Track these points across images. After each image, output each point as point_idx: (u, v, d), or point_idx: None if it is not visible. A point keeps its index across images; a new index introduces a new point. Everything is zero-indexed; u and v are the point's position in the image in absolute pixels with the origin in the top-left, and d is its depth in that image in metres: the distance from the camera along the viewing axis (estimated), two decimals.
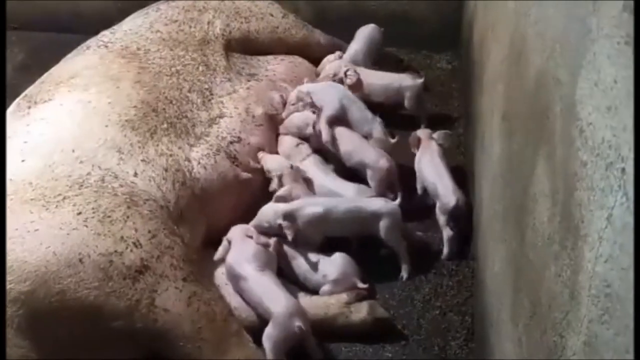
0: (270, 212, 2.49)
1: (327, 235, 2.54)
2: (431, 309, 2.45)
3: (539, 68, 1.56)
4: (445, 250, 2.63)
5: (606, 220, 1.02)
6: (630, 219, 0.93)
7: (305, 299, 2.35)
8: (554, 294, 1.30)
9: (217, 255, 2.44)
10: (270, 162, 2.71)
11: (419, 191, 2.75)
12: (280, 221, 2.43)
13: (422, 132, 2.88)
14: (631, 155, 0.93)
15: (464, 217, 2.61)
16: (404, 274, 2.54)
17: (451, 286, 2.53)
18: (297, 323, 2.17)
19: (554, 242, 1.32)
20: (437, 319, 2.42)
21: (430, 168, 2.72)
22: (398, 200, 2.56)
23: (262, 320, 2.25)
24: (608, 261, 1.01)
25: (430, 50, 3.69)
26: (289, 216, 2.45)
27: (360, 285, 2.41)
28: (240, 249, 2.39)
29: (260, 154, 2.75)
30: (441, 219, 2.64)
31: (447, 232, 2.62)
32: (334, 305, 2.35)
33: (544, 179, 1.44)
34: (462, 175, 2.93)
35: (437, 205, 2.66)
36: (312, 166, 2.77)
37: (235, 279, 2.35)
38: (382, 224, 2.48)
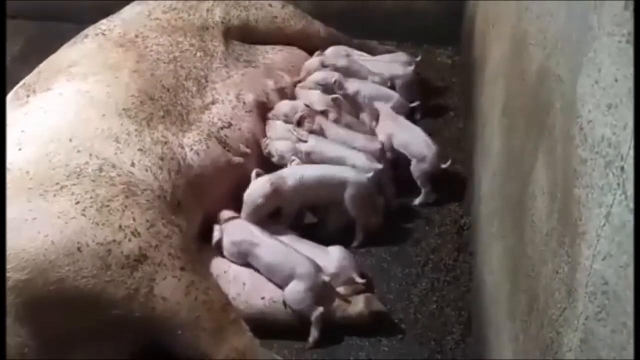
0: (257, 187, 2.52)
1: (303, 204, 2.61)
2: (428, 304, 2.45)
3: (540, 64, 1.56)
4: (420, 200, 2.80)
5: (604, 218, 1.02)
6: (628, 217, 0.93)
7: None
8: (551, 290, 1.31)
9: (214, 238, 2.46)
10: (280, 145, 2.74)
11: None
12: (271, 187, 2.49)
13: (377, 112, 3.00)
14: (631, 154, 0.93)
15: (438, 168, 2.81)
16: (355, 242, 2.61)
17: (448, 281, 2.53)
18: (324, 277, 2.27)
19: (552, 239, 1.32)
20: (434, 313, 2.42)
21: (408, 134, 2.86)
22: (370, 174, 2.57)
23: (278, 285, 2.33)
24: (606, 259, 1.01)
25: (431, 45, 3.68)
26: (276, 177, 2.53)
27: (358, 279, 2.41)
28: (242, 223, 2.46)
29: (265, 140, 2.78)
30: (423, 176, 2.79)
31: (427, 187, 2.79)
32: None
33: (544, 175, 1.44)
34: (460, 168, 2.94)
35: (419, 165, 2.79)
36: (318, 141, 2.77)
37: (244, 252, 2.39)
38: (347, 193, 2.55)
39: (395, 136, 2.85)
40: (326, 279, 2.30)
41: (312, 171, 2.60)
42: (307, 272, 2.29)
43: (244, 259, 2.41)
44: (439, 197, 2.83)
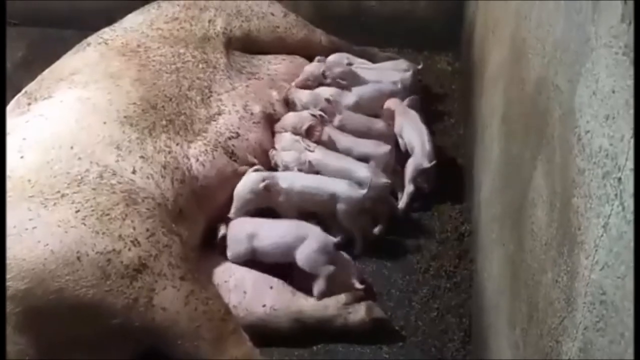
0: (248, 182, 2.55)
1: (298, 211, 2.61)
2: (429, 311, 2.45)
3: (539, 73, 1.56)
4: (403, 202, 2.80)
5: (602, 229, 1.02)
6: (625, 228, 0.93)
7: (303, 300, 2.35)
8: (550, 299, 1.31)
9: (219, 235, 2.49)
10: (285, 156, 2.75)
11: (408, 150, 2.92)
12: (262, 184, 2.51)
13: (392, 103, 3.03)
14: (628, 165, 0.93)
15: (431, 178, 2.85)
16: (356, 250, 2.62)
17: (449, 288, 2.53)
18: (333, 239, 2.39)
19: (552, 248, 1.33)
20: (435, 320, 2.42)
21: (413, 131, 2.90)
22: (364, 190, 2.55)
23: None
24: (604, 269, 1.01)
25: (431, 51, 3.68)
26: (270, 177, 2.55)
27: (359, 286, 2.41)
28: (240, 220, 2.52)
29: (272, 151, 2.80)
30: (409, 174, 2.81)
31: (410, 188, 2.81)
32: (332, 306, 2.35)
33: (543, 183, 1.44)
34: (460, 175, 2.94)
35: (411, 161, 2.82)
36: (324, 152, 2.79)
37: (249, 243, 2.44)
38: (339, 207, 2.56)
39: (404, 129, 2.92)
40: (335, 240, 2.38)
41: (304, 180, 2.60)
42: (317, 234, 2.38)
43: (250, 252, 2.43)
44: (430, 192, 2.87)
